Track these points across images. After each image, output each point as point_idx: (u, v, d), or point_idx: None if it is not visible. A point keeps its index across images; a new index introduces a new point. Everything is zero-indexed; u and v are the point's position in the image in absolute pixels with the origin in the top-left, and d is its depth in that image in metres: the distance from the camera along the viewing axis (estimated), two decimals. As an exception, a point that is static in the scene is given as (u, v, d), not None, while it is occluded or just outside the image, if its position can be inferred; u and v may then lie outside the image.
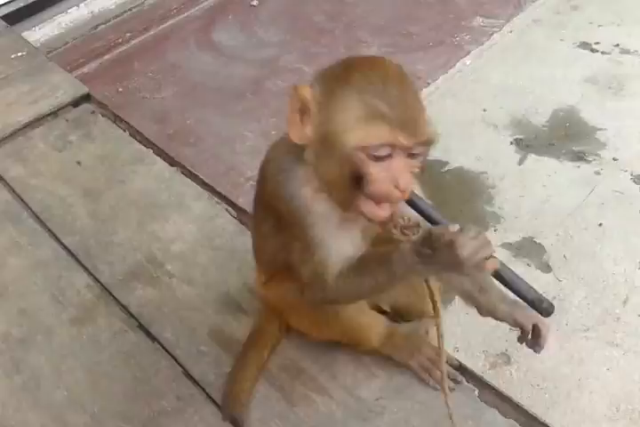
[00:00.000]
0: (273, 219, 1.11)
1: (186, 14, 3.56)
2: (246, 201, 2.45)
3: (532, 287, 1.08)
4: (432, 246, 0.91)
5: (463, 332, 2.04)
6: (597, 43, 3.23)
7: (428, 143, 1.00)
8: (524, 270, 2.20)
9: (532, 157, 2.64)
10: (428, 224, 1.02)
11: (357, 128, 0.90)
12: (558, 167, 2.58)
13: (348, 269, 1.03)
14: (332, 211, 1.01)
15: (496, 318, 1.27)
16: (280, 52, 3.28)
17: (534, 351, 1.23)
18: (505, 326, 2.08)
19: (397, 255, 0.96)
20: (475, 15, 3.45)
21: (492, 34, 3.35)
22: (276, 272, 1.23)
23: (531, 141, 2.71)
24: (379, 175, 0.92)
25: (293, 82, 3.17)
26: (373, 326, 1.27)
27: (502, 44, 3.30)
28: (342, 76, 1.00)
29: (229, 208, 2.09)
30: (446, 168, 2.63)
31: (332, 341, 1.28)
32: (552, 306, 1.10)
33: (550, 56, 3.18)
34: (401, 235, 0.97)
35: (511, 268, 1.10)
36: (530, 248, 2.29)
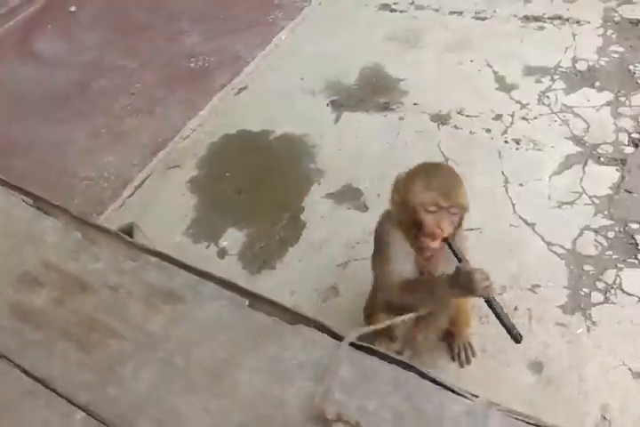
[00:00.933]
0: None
1: (2, 29, 3.54)
2: (82, 201, 2.58)
3: (509, 317, 1.49)
4: (459, 278, 1.44)
5: (298, 277, 2.28)
6: (396, 3, 3.56)
7: (460, 207, 1.60)
8: (346, 215, 2.48)
9: (345, 115, 2.91)
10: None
11: (418, 194, 1.55)
12: (368, 119, 2.87)
13: (405, 282, 1.60)
14: (403, 246, 1.63)
15: None
16: (102, 52, 3.36)
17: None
18: (332, 265, 2.36)
19: (438, 281, 1.52)
20: (285, -7, 3.69)
21: (302, 8, 3.60)
22: None
23: (344, 100, 2.99)
24: (429, 221, 1.54)
25: (119, 79, 3.29)
26: None
27: (313, 17, 3.55)
28: (414, 170, 1.66)
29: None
30: (273, 136, 2.86)
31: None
32: (521, 336, 1.48)
33: (356, 22, 3.48)
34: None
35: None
36: (349, 194, 2.56)
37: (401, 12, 3.49)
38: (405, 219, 1.59)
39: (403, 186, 1.62)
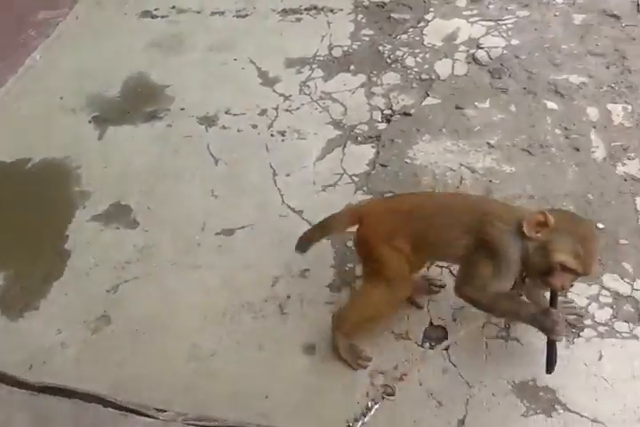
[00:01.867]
0: (482, 251, 1.74)
1: None
2: None
3: (556, 356, 1.75)
4: (545, 319, 1.70)
5: (64, 313, 2.13)
6: (157, 9, 3.48)
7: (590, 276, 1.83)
8: (114, 235, 2.37)
9: (110, 129, 2.79)
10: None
11: (566, 255, 1.63)
12: (134, 131, 2.77)
13: (503, 294, 1.75)
14: (517, 266, 1.71)
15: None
16: None
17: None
18: (101, 292, 2.22)
19: (529, 308, 1.74)
20: (37, 10, 3.45)
21: (57, 24, 3.39)
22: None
23: (107, 115, 2.86)
24: (557, 280, 1.66)
25: None
26: None
27: (70, 32, 3.36)
28: (568, 225, 1.69)
29: None
30: (30, 164, 2.66)
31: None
32: (552, 369, 1.75)
33: (117, 32, 3.34)
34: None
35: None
36: (118, 212, 2.45)
37: (162, 17, 3.42)
38: (537, 262, 1.67)
39: (555, 233, 1.65)
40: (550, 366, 1.75)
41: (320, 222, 2.00)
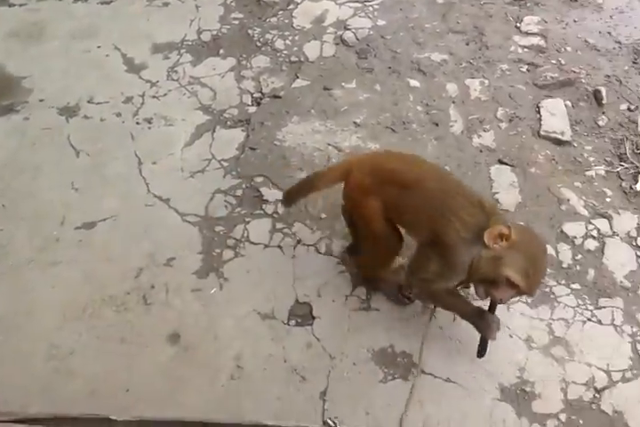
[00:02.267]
0: (435, 246, 1.76)
1: None
2: None
3: (487, 344, 1.85)
4: (482, 321, 1.82)
5: None
6: (16, -4, 3.28)
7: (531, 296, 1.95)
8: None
9: (-39, 126, 2.61)
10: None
11: (516, 272, 1.64)
12: (-12, 126, 2.61)
13: (449, 291, 1.84)
14: (464, 269, 1.72)
15: None
16: None
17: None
18: None
19: (470, 308, 1.84)
20: None
21: None
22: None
23: (-42, 111, 2.67)
24: (500, 292, 1.69)
25: None
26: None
27: None
28: (526, 243, 1.68)
29: None
30: None
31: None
32: (482, 355, 1.87)
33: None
34: None
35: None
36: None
37: (21, 5, 3.20)
38: (485, 267, 1.67)
39: (512, 248, 1.64)
40: (481, 354, 1.86)
41: (305, 179, 1.99)
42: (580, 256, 2.14)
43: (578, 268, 2.11)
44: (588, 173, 2.40)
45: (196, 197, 2.33)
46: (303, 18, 3.08)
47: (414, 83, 2.73)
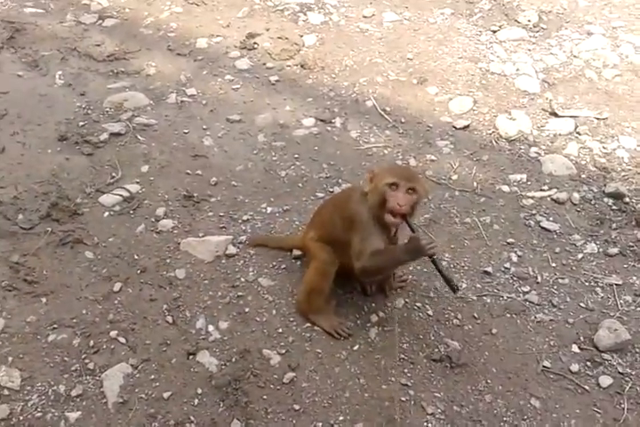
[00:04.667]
0: (343, 221, 2.26)
1: None
2: None
3: (449, 272, 2.13)
4: (412, 244, 2.09)
5: None
6: None
7: (417, 189, 2.16)
8: None
9: None
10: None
11: (385, 178, 2.12)
12: None
13: (375, 252, 2.15)
14: (376, 226, 2.17)
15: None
16: None
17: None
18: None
19: (399, 248, 2.16)
20: None
21: None
22: (322, 239, 2.39)
23: None
24: (391, 197, 2.09)
25: None
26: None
27: None
28: (384, 168, 2.36)
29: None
30: None
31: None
32: (458, 287, 2.13)
33: None
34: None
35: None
36: None
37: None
38: (376, 200, 2.11)
39: (375, 175, 2.17)
40: (452, 287, 2.11)
41: (278, 237, 2.69)
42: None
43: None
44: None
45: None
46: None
47: None
